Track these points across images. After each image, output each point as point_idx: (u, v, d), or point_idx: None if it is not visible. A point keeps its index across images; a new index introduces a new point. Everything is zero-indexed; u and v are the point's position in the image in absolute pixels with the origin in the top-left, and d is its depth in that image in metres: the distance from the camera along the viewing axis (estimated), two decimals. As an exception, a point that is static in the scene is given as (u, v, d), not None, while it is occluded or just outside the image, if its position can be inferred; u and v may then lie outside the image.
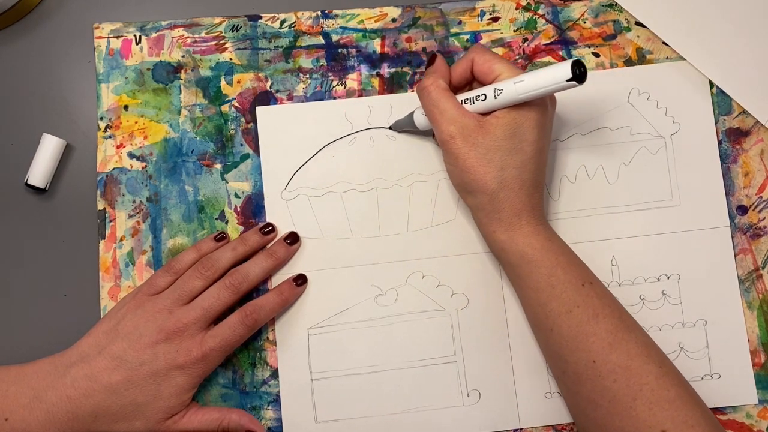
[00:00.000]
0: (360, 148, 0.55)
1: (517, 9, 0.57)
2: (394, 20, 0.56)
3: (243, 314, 0.50)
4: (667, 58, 0.56)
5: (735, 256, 0.54)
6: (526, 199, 0.48)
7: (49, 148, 0.54)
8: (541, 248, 0.48)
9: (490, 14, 0.57)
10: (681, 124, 0.55)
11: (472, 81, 0.51)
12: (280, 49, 0.56)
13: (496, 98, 0.47)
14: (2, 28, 0.56)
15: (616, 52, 0.56)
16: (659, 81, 0.56)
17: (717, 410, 0.53)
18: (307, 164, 0.55)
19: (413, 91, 0.56)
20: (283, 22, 0.56)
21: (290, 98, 0.55)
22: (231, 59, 0.56)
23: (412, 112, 0.53)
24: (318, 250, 0.54)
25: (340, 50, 0.56)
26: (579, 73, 0.43)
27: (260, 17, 0.56)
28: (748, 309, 0.54)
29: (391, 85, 0.56)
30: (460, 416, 0.52)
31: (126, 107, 0.55)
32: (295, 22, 0.56)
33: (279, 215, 0.54)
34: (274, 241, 0.54)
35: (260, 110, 0.55)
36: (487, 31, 0.57)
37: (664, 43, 0.56)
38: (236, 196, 0.54)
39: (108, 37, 0.56)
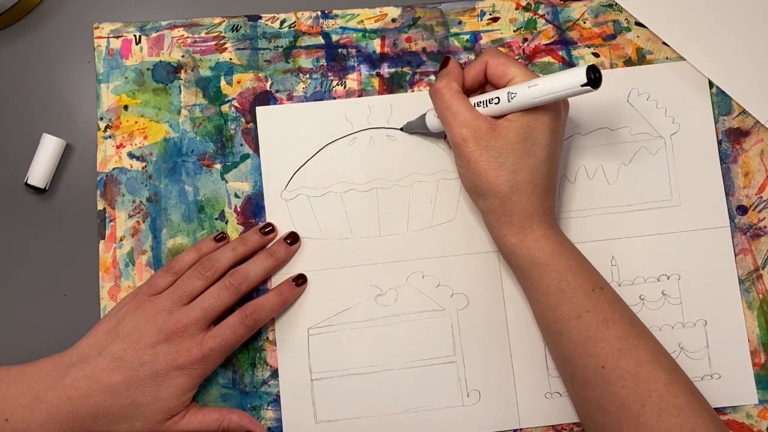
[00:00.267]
0: (360, 148, 0.55)
1: (517, 9, 0.57)
2: (394, 20, 0.57)
3: (243, 314, 0.50)
4: (667, 58, 0.56)
5: (735, 256, 0.54)
6: (538, 203, 0.48)
7: (49, 148, 0.54)
8: (551, 252, 0.47)
9: (490, 14, 0.57)
10: (681, 124, 0.55)
11: (485, 84, 0.51)
12: (280, 49, 0.56)
13: (509, 102, 0.46)
14: (2, 28, 0.56)
15: (616, 52, 0.56)
16: (659, 81, 0.56)
17: (717, 410, 0.53)
18: (307, 164, 0.55)
19: (413, 91, 0.56)
20: (283, 22, 0.56)
21: (290, 98, 0.55)
22: (231, 59, 0.56)
23: (424, 114, 0.53)
24: (318, 250, 0.54)
25: (340, 50, 0.56)
26: (594, 78, 0.43)
27: (260, 17, 0.56)
28: (748, 309, 0.54)
29: (391, 85, 0.56)
30: (460, 416, 0.52)
31: (126, 107, 0.55)
32: (295, 22, 0.56)
33: (279, 215, 0.54)
34: (274, 241, 0.54)
35: (260, 110, 0.55)
36: (487, 31, 0.57)
37: (664, 43, 0.56)
38: (236, 196, 0.54)
39: (108, 37, 0.56)
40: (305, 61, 0.56)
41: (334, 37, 0.56)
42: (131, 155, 0.55)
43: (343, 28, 0.56)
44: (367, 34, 0.56)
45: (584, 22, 0.57)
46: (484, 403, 0.53)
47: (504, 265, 0.54)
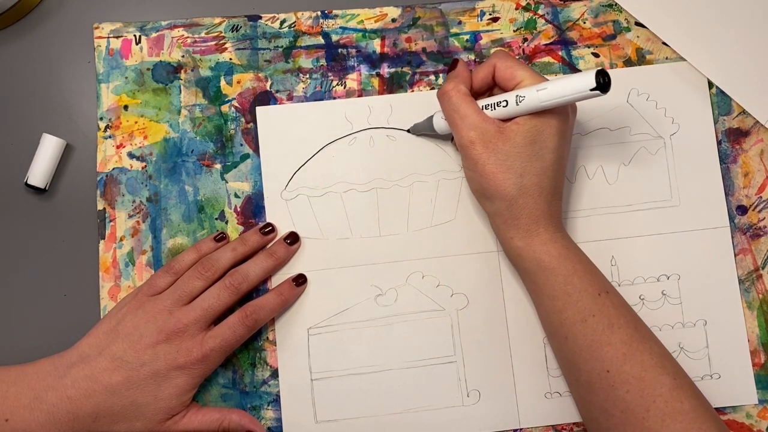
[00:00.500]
0: (360, 148, 0.55)
1: (516, 9, 0.57)
2: (393, 20, 0.57)
3: (243, 314, 0.50)
4: (666, 58, 0.56)
5: (735, 256, 0.54)
6: (544, 207, 0.48)
7: (49, 148, 0.54)
8: (558, 256, 0.47)
9: (490, 14, 0.57)
10: (680, 124, 0.55)
11: (493, 86, 0.51)
12: (280, 49, 0.56)
13: (517, 105, 0.46)
14: (2, 28, 0.56)
15: (616, 52, 0.56)
16: (658, 81, 0.56)
17: (717, 410, 0.53)
18: (307, 164, 0.55)
19: (413, 91, 0.56)
20: (283, 22, 0.56)
21: (290, 98, 0.55)
22: (231, 59, 0.56)
23: (432, 116, 0.53)
24: (318, 250, 0.54)
25: (340, 50, 0.56)
26: (603, 83, 0.43)
27: (260, 17, 0.56)
28: (748, 309, 0.54)
29: (391, 85, 0.56)
30: (460, 416, 0.52)
31: (126, 107, 0.55)
32: (295, 22, 0.56)
33: (279, 215, 0.54)
34: (274, 241, 0.54)
35: (260, 110, 0.55)
36: (487, 31, 0.57)
37: (664, 44, 0.56)
38: (236, 196, 0.54)
39: (108, 37, 0.56)
40: (305, 61, 0.56)
41: (334, 37, 0.56)
42: (131, 155, 0.55)
43: (343, 28, 0.56)
44: (367, 34, 0.56)
45: (584, 22, 0.57)
46: (484, 403, 0.53)
47: (504, 265, 0.54)
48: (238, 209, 0.54)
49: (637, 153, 0.55)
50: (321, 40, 0.56)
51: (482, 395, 0.53)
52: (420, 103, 0.55)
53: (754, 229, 0.55)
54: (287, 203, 0.54)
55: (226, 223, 0.54)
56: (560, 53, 0.56)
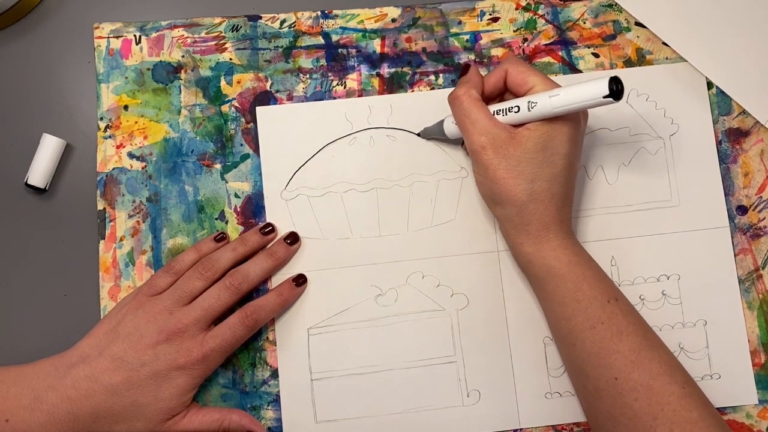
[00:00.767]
0: (360, 148, 0.55)
1: (516, 9, 0.57)
2: (393, 20, 0.57)
3: (243, 315, 0.50)
4: (666, 58, 0.56)
5: (735, 256, 0.54)
6: (555, 213, 0.47)
7: (49, 148, 0.54)
8: (568, 262, 0.47)
9: (490, 14, 0.57)
10: (680, 125, 0.55)
11: (504, 92, 0.51)
12: (280, 49, 0.56)
13: (529, 111, 0.46)
14: (2, 28, 0.56)
15: (616, 52, 0.56)
16: (658, 82, 0.56)
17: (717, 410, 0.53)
18: (307, 164, 0.55)
19: (413, 91, 0.56)
20: (283, 22, 0.56)
21: (290, 98, 0.55)
22: (231, 59, 0.56)
23: (442, 120, 0.53)
24: (318, 250, 0.54)
25: (340, 50, 0.56)
26: (616, 90, 0.43)
27: (260, 17, 0.56)
28: (748, 309, 0.54)
29: (391, 85, 0.56)
30: (460, 416, 0.52)
31: (126, 107, 0.55)
32: (295, 22, 0.56)
33: (279, 215, 0.54)
34: (274, 241, 0.54)
35: (260, 110, 0.55)
36: (487, 31, 0.57)
37: (664, 44, 0.56)
38: (236, 196, 0.54)
39: (108, 37, 0.56)
40: (305, 61, 0.56)
41: (334, 37, 0.56)
42: (131, 155, 0.55)
43: (343, 28, 0.56)
44: (367, 34, 0.56)
45: (584, 22, 0.57)
46: (484, 403, 0.53)
47: (504, 265, 0.54)
48: (238, 209, 0.54)
49: (637, 153, 0.55)
50: (321, 40, 0.56)
51: (482, 395, 0.53)
52: (420, 103, 0.55)
53: (754, 229, 0.55)
54: (287, 203, 0.54)
55: (226, 223, 0.54)
56: (560, 53, 0.56)
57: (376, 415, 0.52)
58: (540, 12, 0.57)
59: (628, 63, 0.56)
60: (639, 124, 0.55)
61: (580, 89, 0.44)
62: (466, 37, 0.56)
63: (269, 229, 0.53)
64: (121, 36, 0.56)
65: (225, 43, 0.56)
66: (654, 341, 0.47)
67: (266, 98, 0.55)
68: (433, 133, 0.54)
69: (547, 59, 0.56)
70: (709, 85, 0.56)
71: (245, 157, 0.55)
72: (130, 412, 0.47)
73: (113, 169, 0.54)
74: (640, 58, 0.56)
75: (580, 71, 0.56)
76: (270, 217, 0.54)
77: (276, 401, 0.52)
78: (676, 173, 0.55)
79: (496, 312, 0.53)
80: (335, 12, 0.56)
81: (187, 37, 0.56)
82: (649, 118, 0.55)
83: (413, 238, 0.54)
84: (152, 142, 0.55)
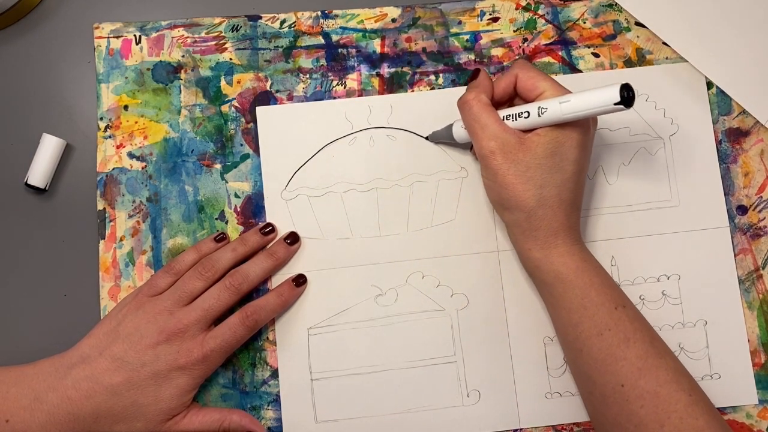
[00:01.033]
0: (360, 148, 0.55)
1: (516, 9, 0.57)
2: (393, 20, 0.56)
3: (243, 315, 0.50)
4: (666, 58, 0.56)
5: (735, 256, 0.54)
6: (563, 219, 0.47)
7: (49, 148, 0.54)
8: (576, 269, 0.47)
9: (490, 14, 0.57)
10: (680, 125, 0.55)
11: (514, 97, 0.50)
12: (280, 49, 0.56)
13: (539, 116, 0.46)
14: (2, 28, 0.56)
15: (616, 52, 0.56)
16: (658, 82, 0.56)
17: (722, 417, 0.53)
18: (307, 164, 0.55)
19: (413, 91, 0.56)
20: (283, 22, 0.56)
21: (290, 98, 0.55)
22: (231, 59, 0.56)
23: (451, 125, 0.52)
24: (318, 250, 0.54)
25: (340, 50, 0.56)
26: (627, 97, 0.43)
27: (260, 17, 0.56)
28: (748, 309, 0.54)
29: (391, 85, 0.56)
30: (460, 416, 0.52)
31: (126, 107, 0.55)
32: (295, 22, 0.56)
33: (279, 215, 0.54)
34: (274, 241, 0.54)
35: (260, 110, 0.55)
36: (487, 31, 0.57)
37: (664, 44, 0.56)
38: (236, 196, 0.54)
39: (108, 37, 0.56)
40: (305, 61, 0.56)
41: (334, 37, 0.56)
42: (131, 155, 0.55)
43: (343, 28, 0.56)
44: (367, 34, 0.56)
45: (584, 22, 0.57)
46: (484, 403, 0.53)
47: (504, 265, 0.54)
48: (238, 209, 0.54)
49: (637, 153, 0.55)
50: (321, 40, 0.56)
51: (482, 395, 0.53)
52: (420, 103, 0.55)
53: (755, 229, 0.55)
54: (287, 203, 0.54)
55: (226, 223, 0.54)
56: (560, 53, 0.56)
57: (376, 415, 0.52)
58: (540, 12, 0.57)
59: (628, 63, 0.56)
60: (639, 124, 0.55)
61: (591, 96, 0.44)
62: (466, 37, 0.56)
63: (269, 229, 0.53)
64: (121, 36, 0.56)
65: (225, 43, 0.56)
66: (661, 348, 0.46)
67: (266, 98, 0.55)
68: (442, 138, 0.54)
69: (547, 59, 0.56)
70: (709, 85, 0.56)
71: (245, 157, 0.55)
72: (131, 412, 0.47)
73: (113, 169, 0.54)
74: (640, 58, 0.56)
75: (580, 71, 0.56)
76: (270, 217, 0.54)
77: (276, 401, 0.53)
78: (676, 173, 0.55)
79: (496, 312, 0.53)
80: (335, 12, 0.56)
81: (187, 37, 0.56)
82: (649, 118, 0.55)
83: (413, 238, 0.54)
84: (152, 142, 0.55)
